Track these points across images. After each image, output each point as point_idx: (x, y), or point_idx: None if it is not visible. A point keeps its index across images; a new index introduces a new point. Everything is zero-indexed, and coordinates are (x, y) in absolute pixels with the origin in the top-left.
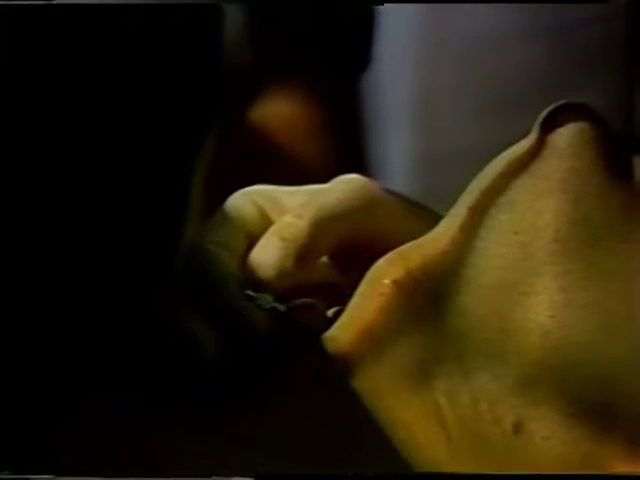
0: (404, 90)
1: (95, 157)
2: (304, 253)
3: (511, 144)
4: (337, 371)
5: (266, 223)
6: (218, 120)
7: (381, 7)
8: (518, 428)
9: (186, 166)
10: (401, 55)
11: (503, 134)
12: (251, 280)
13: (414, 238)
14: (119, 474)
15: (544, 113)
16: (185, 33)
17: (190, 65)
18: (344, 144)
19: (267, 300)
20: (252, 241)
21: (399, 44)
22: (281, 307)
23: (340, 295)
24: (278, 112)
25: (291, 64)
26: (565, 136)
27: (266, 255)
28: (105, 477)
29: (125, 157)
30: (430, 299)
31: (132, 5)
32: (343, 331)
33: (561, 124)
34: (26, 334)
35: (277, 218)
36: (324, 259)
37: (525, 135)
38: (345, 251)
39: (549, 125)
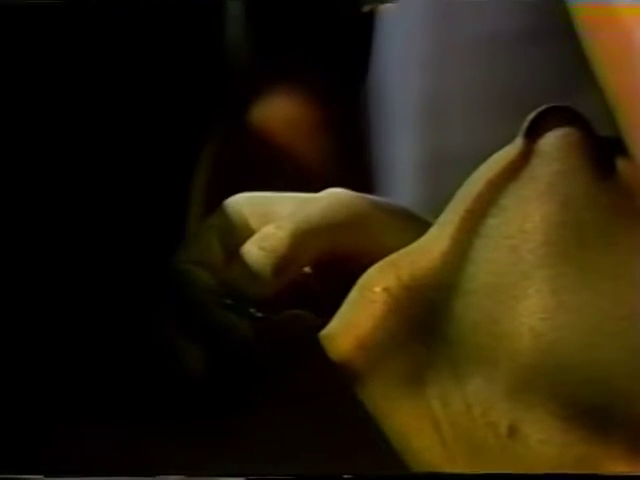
0: (410, 93)
1: (95, 160)
2: (283, 264)
3: None
4: (330, 378)
5: (246, 233)
6: (218, 123)
7: (383, 9)
8: (513, 432)
9: (186, 169)
10: (406, 57)
11: (509, 137)
12: (230, 289)
13: None
14: (114, 475)
15: (529, 118)
16: (186, 35)
17: (191, 67)
18: (345, 147)
19: (244, 308)
20: (230, 249)
21: (404, 46)
22: (258, 314)
23: (326, 305)
24: (279, 115)
25: (292, 66)
26: (551, 140)
27: (244, 264)
28: (100, 478)
29: (124, 158)
30: (422, 306)
31: (132, 4)
32: (335, 339)
33: (547, 128)
34: (22, 338)
35: (259, 228)
36: (307, 269)
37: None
38: (328, 263)
39: (535, 129)
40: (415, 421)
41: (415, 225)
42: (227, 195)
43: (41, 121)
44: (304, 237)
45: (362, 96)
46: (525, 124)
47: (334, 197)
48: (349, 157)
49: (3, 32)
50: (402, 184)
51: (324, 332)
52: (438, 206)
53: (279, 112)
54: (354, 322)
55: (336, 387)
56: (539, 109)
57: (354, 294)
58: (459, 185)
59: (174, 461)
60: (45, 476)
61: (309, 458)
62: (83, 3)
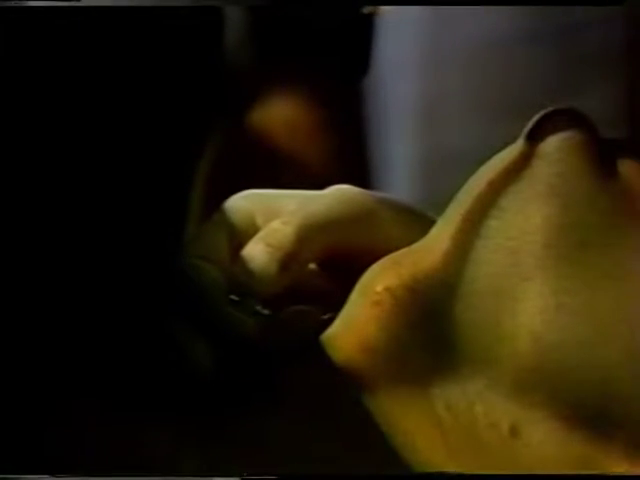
0: (408, 93)
1: (95, 161)
2: (289, 260)
3: None
4: (334, 376)
5: (252, 229)
6: (219, 124)
7: (383, 10)
8: (514, 432)
9: (187, 170)
10: (404, 59)
11: (506, 138)
12: (236, 285)
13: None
14: (116, 474)
15: (534, 119)
16: (186, 36)
17: (191, 68)
18: (345, 147)
19: (250, 304)
20: (237, 246)
21: (402, 48)
22: (265, 311)
23: (331, 302)
24: (279, 115)
25: (292, 67)
26: (553, 142)
27: (251, 260)
28: (102, 477)
29: (125, 161)
30: (423, 306)
31: (132, 8)
32: (338, 339)
33: (549, 130)
34: (22, 336)
35: (265, 224)
36: (313, 266)
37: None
38: (334, 259)
39: (538, 131)
40: (418, 421)
41: (420, 222)
42: (228, 194)
43: (44, 121)
44: (310, 232)
45: (361, 96)
46: (528, 125)
47: (340, 193)
48: (348, 157)
49: (4, 33)
50: (400, 183)
51: (327, 334)
52: (436, 205)
53: (279, 112)
54: (356, 324)
55: (340, 385)
56: (544, 111)
57: (356, 293)
58: (456, 185)
59: (178, 459)
60: (49, 475)
61: (311, 457)
62: (87, 7)
